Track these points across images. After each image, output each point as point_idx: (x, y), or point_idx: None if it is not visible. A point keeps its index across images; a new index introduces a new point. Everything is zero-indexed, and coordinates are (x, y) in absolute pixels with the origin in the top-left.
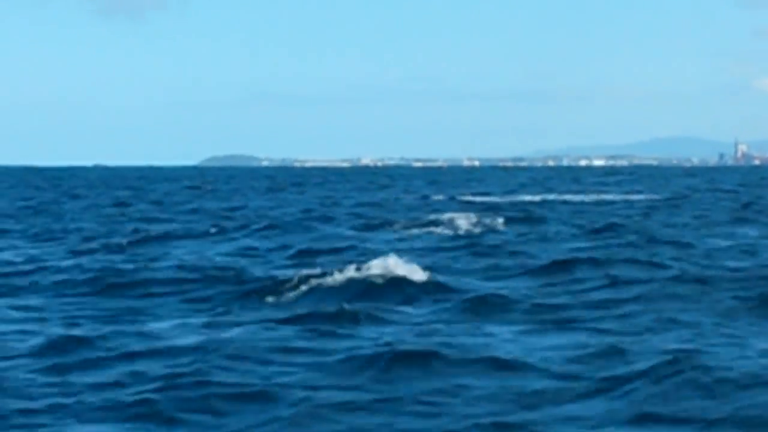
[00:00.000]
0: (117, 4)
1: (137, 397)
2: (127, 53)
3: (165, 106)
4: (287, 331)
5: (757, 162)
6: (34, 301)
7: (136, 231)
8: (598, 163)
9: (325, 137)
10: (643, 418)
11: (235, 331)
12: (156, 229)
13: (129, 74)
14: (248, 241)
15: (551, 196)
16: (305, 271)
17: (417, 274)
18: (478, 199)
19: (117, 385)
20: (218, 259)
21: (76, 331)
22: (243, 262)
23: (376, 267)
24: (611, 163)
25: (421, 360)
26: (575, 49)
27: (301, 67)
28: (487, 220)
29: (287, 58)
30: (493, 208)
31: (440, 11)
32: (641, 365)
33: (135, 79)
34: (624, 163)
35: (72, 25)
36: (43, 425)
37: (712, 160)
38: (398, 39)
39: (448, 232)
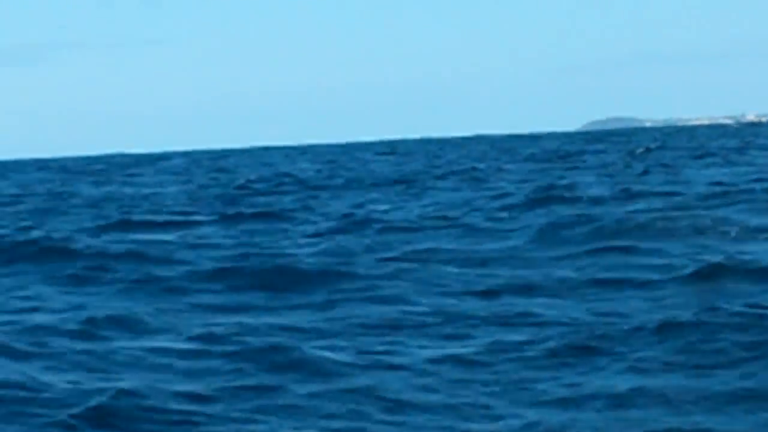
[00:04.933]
0: None
1: None
2: (505, 19)
3: (544, 72)
4: None
5: None
6: None
7: None
8: None
9: (707, 95)
10: None
11: None
12: None
13: (505, 41)
14: None
15: None
16: None
17: None
18: None
19: None
20: None
21: None
22: None
23: None
24: None
25: None
26: None
27: (682, 24)
28: None
29: (667, 15)
30: None
31: None
32: None
33: (515, 45)
34: None
35: None
36: None
37: None
38: None
39: None
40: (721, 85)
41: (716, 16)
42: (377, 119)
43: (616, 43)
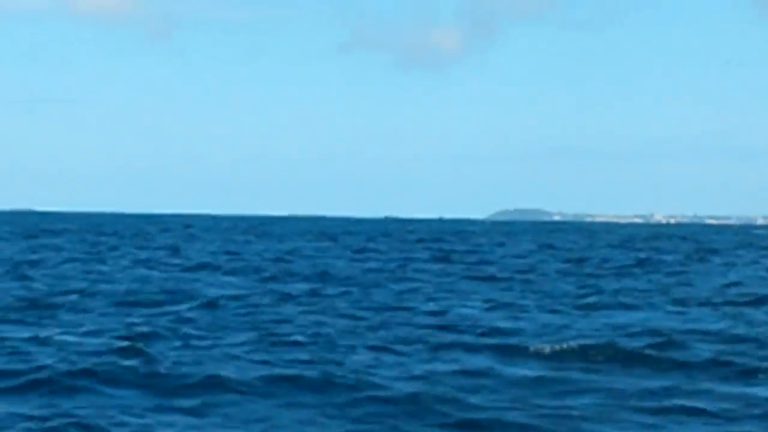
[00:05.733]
0: (415, 58)
1: None
2: (422, 106)
3: (456, 159)
4: None
5: None
6: None
7: None
8: None
9: (617, 192)
10: None
11: None
12: None
13: (422, 126)
14: None
15: None
16: None
17: None
18: None
19: None
20: None
21: None
22: None
23: None
24: None
25: None
26: None
27: (596, 121)
28: None
29: (581, 112)
30: None
31: (732, 68)
32: None
33: (428, 131)
34: None
35: (369, 78)
36: None
37: None
38: (692, 95)
39: None
40: (631, 184)
41: (630, 115)
42: (300, 192)
43: (528, 135)
